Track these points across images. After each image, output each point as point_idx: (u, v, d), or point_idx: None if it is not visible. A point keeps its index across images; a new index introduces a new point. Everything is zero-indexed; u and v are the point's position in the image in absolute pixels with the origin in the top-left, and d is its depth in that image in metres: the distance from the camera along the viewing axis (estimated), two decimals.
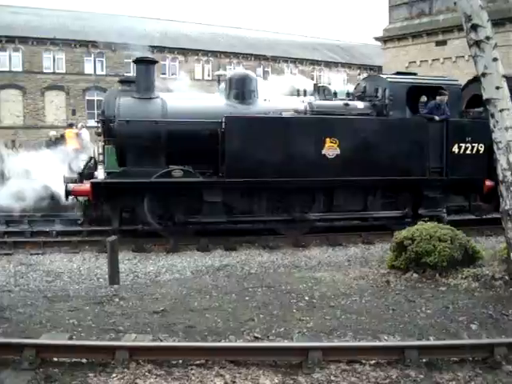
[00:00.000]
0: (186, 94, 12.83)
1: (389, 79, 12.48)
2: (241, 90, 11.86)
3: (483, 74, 7.34)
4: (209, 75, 44.24)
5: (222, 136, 11.04)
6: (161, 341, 5.28)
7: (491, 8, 24.85)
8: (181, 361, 4.78)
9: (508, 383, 4.52)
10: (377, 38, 33.13)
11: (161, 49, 41.63)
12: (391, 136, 11.80)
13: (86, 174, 11.86)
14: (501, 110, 7.28)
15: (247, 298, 6.78)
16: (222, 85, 13.45)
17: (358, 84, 13.74)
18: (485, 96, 7.44)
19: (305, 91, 13.53)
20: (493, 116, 7.36)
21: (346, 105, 12.29)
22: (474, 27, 7.26)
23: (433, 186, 12.26)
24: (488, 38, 7.25)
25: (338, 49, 53.77)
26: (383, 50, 32.91)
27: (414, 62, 31.09)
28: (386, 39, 32.11)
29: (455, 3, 7.74)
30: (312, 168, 11.37)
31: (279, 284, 7.48)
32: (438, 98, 12.32)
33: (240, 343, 5.20)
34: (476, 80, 13.72)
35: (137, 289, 7.38)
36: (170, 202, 11.23)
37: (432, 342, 5.31)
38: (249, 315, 6.09)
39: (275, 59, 47.31)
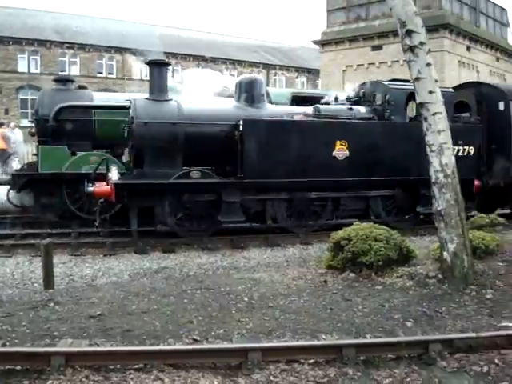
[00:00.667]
0: (197, 97, 12.85)
1: (390, 85, 13.14)
2: (250, 93, 12.26)
3: (417, 79, 7.55)
4: (146, 75, 43.71)
5: (240, 138, 11.37)
6: (98, 346, 5.16)
7: (425, 14, 25.63)
8: (119, 365, 4.68)
9: (442, 378, 4.65)
10: (315, 42, 33.59)
11: (97, 47, 40.95)
12: (393, 139, 12.49)
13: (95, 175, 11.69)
14: (434, 114, 7.52)
15: (186, 301, 6.73)
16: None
17: (354, 89, 14.17)
18: (418, 100, 7.66)
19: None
20: (426, 119, 7.59)
21: (350, 109, 12.89)
22: (409, 33, 7.46)
23: (429, 185, 12.30)
24: (422, 44, 7.47)
25: (276, 51, 54.22)
26: (321, 53, 33.40)
27: (351, 65, 31.66)
28: (323, 43, 32.58)
29: (391, 9, 7.93)
30: (324, 169, 11.96)
31: (218, 286, 7.47)
32: None
33: (179, 346, 5.15)
34: (460, 87, 15.16)
35: (72, 293, 7.22)
36: (187, 203, 11.45)
37: (369, 339, 5.40)
38: (187, 318, 6.05)
39: (214, 60, 47.28)
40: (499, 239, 9.10)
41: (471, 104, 14.27)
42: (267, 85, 42.44)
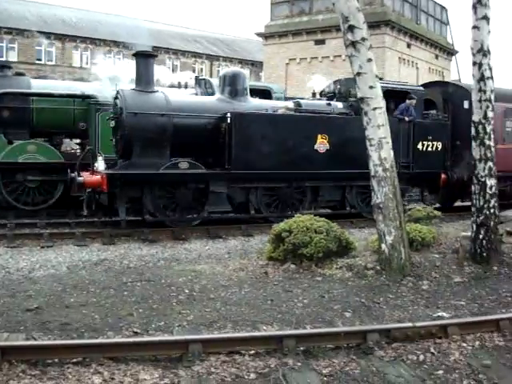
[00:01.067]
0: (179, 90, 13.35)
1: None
2: (234, 87, 12.59)
3: (358, 74, 7.67)
4: (87, 63, 42.77)
5: (228, 131, 11.69)
6: (35, 339, 5.05)
7: (367, 10, 26.10)
8: (56, 359, 4.59)
9: (380, 367, 4.75)
10: (258, 34, 33.62)
11: (36, 33, 39.67)
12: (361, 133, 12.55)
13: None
14: (374, 109, 7.67)
15: (126, 293, 6.66)
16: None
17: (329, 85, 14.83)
18: (359, 95, 7.79)
19: (186, 84, 13.56)
20: (366, 114, 7.72)
21: (329, 104, 13.54)
22: (351, 28, 7.57)
23: (401, 178, 12.52)
24: (363, 39, 7.59)
25: (220, 42, 53.99)
26: (264, 45, 33.48)
27: (294, 59, 31.87)
28: (267, 35, 32.66)
29: (334, 4, 8.02)
30: (306, 161, 12.51)
31: (159, 278, 7.42)
32: (407, 101, 13.84)
33: (118, 339, 5.08)
34: (427, 86, 16.00)
35: (8, 286, 7.03)
36: (175, 193, 11.70)
37: (309, 330, 5.48)
38: (127, 310, 5.98)
39: (156, 50, 46.51)
40: (435, 232, 9.37)
41: (438, 102, 15.16)
42: (210, 76, 42.32)
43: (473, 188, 8.46)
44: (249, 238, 11.47)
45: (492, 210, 8.20)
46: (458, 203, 16.95)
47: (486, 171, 8.21)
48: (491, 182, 8.22)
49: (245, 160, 11.85)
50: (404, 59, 31.36)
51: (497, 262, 8.13)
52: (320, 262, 7.96)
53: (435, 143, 14.34)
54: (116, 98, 11.74)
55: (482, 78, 8.19)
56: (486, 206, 8.19)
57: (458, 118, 15.14)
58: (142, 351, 4.78)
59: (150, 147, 11.43)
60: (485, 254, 8.13)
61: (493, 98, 8.37)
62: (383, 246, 7.67)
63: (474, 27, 8.19)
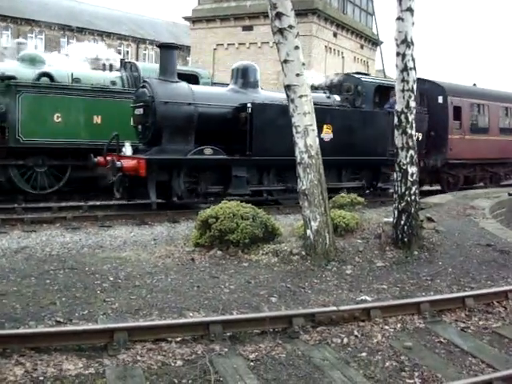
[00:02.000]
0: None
1: (362, 78, 15.58)
2: (247, 79, 13.72)
3: (285, 61, 7.71)
4: (8, 42, 40.97)
5: (249, 120, 12.61)
6: None
7: None
8: None
9: (305, 351, 4.84)
10: (186, 18, 33.18)
11: None
12: (366, 124, 14.74)
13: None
14: (300, 96, 7.73)
15: (48, 281, 6.47)
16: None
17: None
18: (286, 82, 7.83)
19: (111, 65, 13.31)
20: (293, 101, 7.78)
21: (328, 97, 14.96)
22: (279, 15, 7.58)
23: (388, 164, 14.50)
24: (291, 27, 7.62)
25: (147, 25, 52.93)
26: (192, 30, 33.09)
27: (222, 44, 31.70)
28: (194, 20, 32.30)
29: None
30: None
31: (82, 265, 7.25)
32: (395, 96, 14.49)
33: (41, 329, 4.93)
34: None
35: None
36: (200, 177, 12.57)
37: (235, 316, 5.50)
38: (50, 299, 5.81)
39: (81, 31, 45.21)
40: (359, 218, 9.61)
41: (416, 97, 15.46)
42: (136, 59, 41.54)
43: (395, 175, 8.72)
44: (175, 224, 11.38)
45: (413, 197, 8.48)
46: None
47: (408, 159, 8.47)
48: (412, 169, 8.48)
49: (263, 147, 12.82)
50: (330, 48, 31.81)
51: (417, 247, 8.42)
52: (246, 248, 8.01)
53: (417, 134, 14.48)
54: (142, 86, 12.38)
55: (405, 69, 8.41)
56: (407, 192, 8.45)
57: (433, 111, 16.86)
58: (65, 341, 4.66)
59: (177, 134, 12.23)
60: (406, 240, 8.40)
61: (415, 88, 8.62)
62: (308, 231, 7.79)
63: (399, 18, 8.38)
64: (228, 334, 5.06)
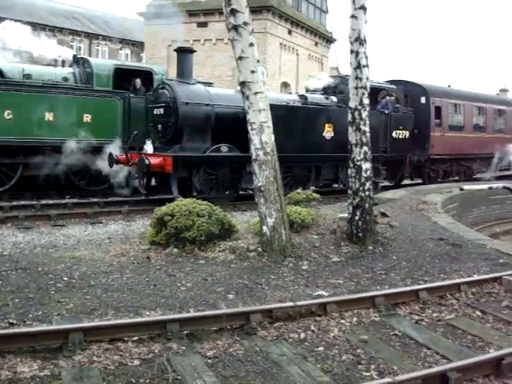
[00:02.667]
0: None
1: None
2: None
3: (240, 58, 7.70)
4: None
5: None
6: None
7: None
8: None
9: (263, 347, 4.85)
10: (140, 14, 32.81)
11: None
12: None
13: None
14: (255, 93, 7.74)
15: (0, 282, 6.31)
16: None
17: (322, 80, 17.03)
18: (241, 79, 7.82)
19: (63, 61, 13.11)
20: (248, 98, 7.78)
21: (327, 98, 16.03)
22: (233, 12, 7.57)
23: (380, 160, 16.34)
24: (246, 24, 7.61)
25: (100, 20, 52.06)
26: (146, 25, 32.73)
27: (176, 40, 31.40)
28: (148, 15, 31.95)
29: None
30: (317, 146, 14.89)
31: (36, 265, 7.10)
32: (387, 97, 16.96)
33: None
34: (389, 83, 18.56)
35: None
36: (217, 173, 13.35)
37: (192, 314, 5.47)
38: (2, 300, 5.68)
39: (32, 26, 44.09)
40: (314, 214, 9.69)
41: (400, 97, 18.09)
42: (89, 55, 40.83)
43: (349, 171, 8.81)
44: (130, 222, 11.25)
45: (367, 193, 8.60)
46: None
47: (362, 155, 8.58)
48: (366, 165, 8.60)
49: (282, 144, 12.64)
50: (285, 45, 31.93)
51: (372, 242, 8.55)
52: (203, 246, 7.98)
53: (404, 132, 17.53)
54: (162, 88, 13.14)
55: (358, 66, 8.51)
56: (361, 188, 8.56)
57: (416, 111, 18.37)
58: (19, 343, 4.56)
59: (196, 133, 13.09)
60: (360, 235, 8.52)
61: (368, 85, 8.72)
62: (265, 228, 7.81)
63: (352, 16, 8.48)
64: (185, 332, 5.04)
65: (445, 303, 6.27)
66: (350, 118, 8.75)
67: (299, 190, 11.64)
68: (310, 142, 14.72)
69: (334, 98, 16.16)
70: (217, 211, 8.36)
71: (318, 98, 15.93)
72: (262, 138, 7.78)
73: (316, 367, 4.51)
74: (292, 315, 5.50)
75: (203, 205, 8.37)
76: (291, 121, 14.02)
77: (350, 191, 8.75)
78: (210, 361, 4.55)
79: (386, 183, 18.21)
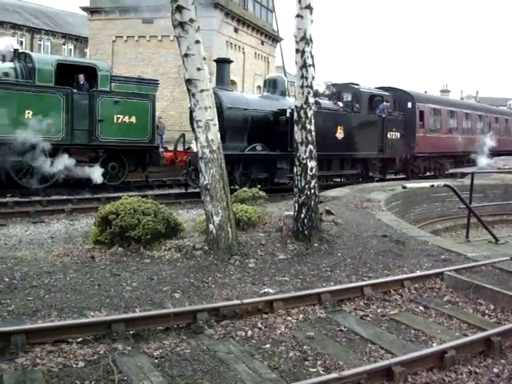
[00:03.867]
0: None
1: (360, 88, 19.11)
2: (280, 88, 17.12)
3: (186, 55, 7.64)
4: None
5: (290, 122, 14.38)
6: None
7: None
8: None
9: (210, 345, 4.84)
10: (83, 8, 32.18)
11: None
12: (363, 126, 18.65)
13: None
14: (201, 91, 7.69)
15: None
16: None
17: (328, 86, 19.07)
18: (187, 76, 7.76)
19: (4, 56, 12.78)
20: (194, 96, 7.73)
21: (336, 104, 18.20)
22: (179, 8, 7.50)
23: (377, 158, 19.63)
24: (192, 21, 7.56)
25: (42, 14, 50.74)
26: (90, 21, 32.15)
27: (121, 36, 31.05)
28: (92, 10, 31.40)
29: None
30: (332, 145, 16.97)
31: None
32: (384, 103, 19.53)
33: None
34: (380, 89, 21.09)
35: None
36: (253, 169, 15.28)
37: (138, 313, 5.41)
38: None
39: None
40: (260, 212, 9.72)
41: (391, 102, 20.42)
42: (31, 50, 39.79)
43: (295, 170, 8.87)
44: (74, 221, 11.04)
45: (312, 191, 8.68)
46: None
47: (307, 154, 8.65)
48: (312, 164, 8.68)
49: None
50: (231, 43, 31.90)
51: (317, 239, 8.64)
52: (148, 244, 7.91)
53: (396, 133, 20.13)
54: None
55: (304, 65, 8.57)
56: (307, 186, 8.64)
57: (404, 114, 20.98)
58: None
59: (236, 134, 14.99)
60: (306, 232, 8.60)
61: (314, 84, 8.79)
62: (211, 226, 7.79)
63: (298, 16, 8.53)
64: (131, 332, 4.99)
65: (389, 299, 6.40)
66: (295, 116, 8.81)
67: (245, 188, 11.66)
68: (327, 141, 16.50)
69: (340, 104, 18.51)
70: (162, 209, 8.29)
71: (329, 103, 18.06)
72: (208, 135, 7.75)
73: (263, 364, 4.54)
74: (239, 313, 5.51)
75: (148, 203, 8.28)
76: (316, 123, 14.96)
77: (295, 189, 8.81)
78: (156, 361, 4.51)
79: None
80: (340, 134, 17.48)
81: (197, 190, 14.21)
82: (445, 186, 10.24)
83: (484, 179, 19.35)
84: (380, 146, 19.42)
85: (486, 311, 6.20)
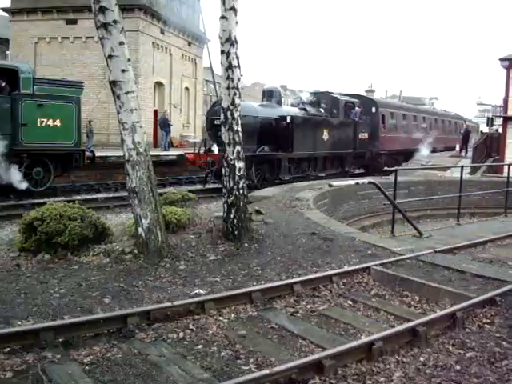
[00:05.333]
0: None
1: (338, 97, 23.26)
2: (276, 98, 20.34)
3: (110, 57, 7.54)
4: None
5: (290, 127, 19.09)
6: None
7: None
8: None
9: (142, 349, 4.81)
10: (4, 9, 31.18)
11: None
12: (341, 129, 22.60)
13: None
14: (126, 93, 7.61)
15: None
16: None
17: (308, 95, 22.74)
18: (111, 78, 7.65)
19: None
20: (119, 98, 7.63)
21: (318, 110, 22.07)
22: (102, 9, 7.40)
23: (351, 155, 23.68)
24: (115, 22, 7.46)
25: None
26: (11, 22, 31.20)
27: (44, 38, 30.34)
28: (14, 11, 30.53)
29: None
30: (320, 145, 21.22)
31: None
32: (357, 109, 23.77)
33: None
34: (348, 96, 25.27)
35: None
36: (262, 167, 18.43)
37: (66, 320, 5.30)
38: None
39: None
40: (190, 213, 9.71)
41: (360, 107, 24.29)
42: None
43: (223, 171, 8.90)
44: None
45: (241, 191, 8.75)
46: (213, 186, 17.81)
47: (235, 154, 8.71)
48: (240, 164, 8.74)
49: (299, 146, 19.77)
50: (158, 44, 31.66)
51: (247, 239, 8.72)
52: (76, 250, 7.76)
53: (365, 134, 24.37)
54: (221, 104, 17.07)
55: (230, 67, 8.63)
56: (235, 187, 8.69)
57: (370, 118, 25.16)
58: None
59: (249, 138, 16.46)
60: (236, 232, 8.66)
61: (240, 85, 8.85)
62: (140, 229, 7.72)
63: (223, 17, 8.57)
64: (60, 339, 4.90)
65: (318, 295, 6.53)
66: (222, 117, 8.84)
67: (174, 190, 11.61)
68: (316, 142, 20.88)
69: (322, 110, 22.28)
70: (89, 214, 8.15)
71: (314, 110, 21.78)
72: (135, 138, 7.66)
73: (196, 365, 4.55)
74: (170, 315, 5.50)
75: (75, 208, 8.13)
76: (309, 127, 20.43)
77: (224, 190, 8.85)
78: (87, 367, 4.44)
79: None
80: (325, 136, 21.34)
81: (212, 186, 18.11)
82: (369, 183, 10.50)
83: (408, 176, 20.01)
84: (353, 145, 23.58)
85: (412, 303, 6.42)
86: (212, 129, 18.14)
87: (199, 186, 19.36)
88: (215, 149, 17.67)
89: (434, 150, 30.75)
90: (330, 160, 22.42)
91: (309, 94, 22.59)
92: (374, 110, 25.77)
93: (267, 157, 18.70)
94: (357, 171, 25.23)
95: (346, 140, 22.80)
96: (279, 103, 20.30)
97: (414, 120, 31.63)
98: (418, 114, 32.68)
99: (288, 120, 18.93)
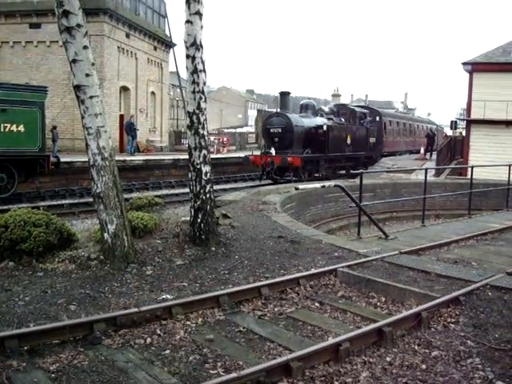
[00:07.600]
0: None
1: (356, 108, 29.81)
2: (312, 109, 25.88)
3: (74, 61, 7.47)
4: None
5: (327, 134, 24.03)
6: None
7: None
8: None
9: (108, 355, 4.77)
10: None
11: None
12: (358, 135, 27.86)
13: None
14: (91, 97, 7.54)
15: None
16: None
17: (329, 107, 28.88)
18: (75, 82, 7.58)
19: None
20: (83, 102, 7.56)
21: (340, 120, 26.77)
22: (66, 13, 7.33)
23: (366, 156, 28.81)
24: (79, 26, 7.40)
25: None
26: None
27: (7, 42, 29.92)
28: None
29: None
30: (346, 148, 26.33)
31: None
32: (367, 118, 29.32)
33: None
34: (357, 107, 33.61)
35: None
36: (306, 166, 23.12)
37: (31, 328, 5.22)
38: None
39: None
40: (157, 218, 9.65)
41: (370, 117, 29.96)
42: None
43: (189, 175, 8.88)
44: None
45: (208, 195, 8.73)
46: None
47: (201, 159, 8.69)
48: (206, 168, 8.73)
49: (333, 148, 24.72)
50: (123, 49, 31.44)
51: (214, 243, 8.71)
52: (41, 257, 7.65)
53: (373, 139, 30.03)
54: (277, 116, 23.54)
55: (195, 71, 8.61)
56: (202, 191, 8.68)
57: (376, 125, 30.83)
58: None
59: (298, 143, 23.25)
60: (203, 237, 8.64)
61: (205, 89, 8.84)
62: (106, 235, 7.65)
63: (188, 22, 8.56)
64: (25, 347, 4.83)
65: (285, 297, 6.57)
66: (188, 122, 8.81)
67: (140, 196, 11.54)
68: (344, 145, 26.04)
69: (343, 119, 27.15)
70: (54, 220, 8.04)
71: (338, 119, 26.56)
72: (100, 142, 7.60)
73: (163, 370, 4.53)
74: (137, 321, 5.47)
75: (39, 214, 8.01)
76: (341, 134, 25.82)
77: (191, 194, 8.83)
78: (53, 375, 4.40)
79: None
80: (349, 140, 26.42)
81: (266, 182, 22.71)
82: (335, 186, 10.59)
83: (374, 179, 20.28)
84: (366, 148, 28.83)
85: (378, 303, 6.51)
86: (269, 136, 23.62)
87: (165, 191, 19.80)
88: (273, 152, 22.72)
89: (417, 152, 37.01)
90: (350, 160, 27.30)
91: (332, 106, 28.95)
92: (378, 118, 31.86)
93: (312, 158, 23.69)
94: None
95: (361, 143, 28.06)
96: (315, 114, 25.55)
97: (404, 126, 39.88)
98: (406, 121, 41.52)
99: (325, 128, 23.98)
